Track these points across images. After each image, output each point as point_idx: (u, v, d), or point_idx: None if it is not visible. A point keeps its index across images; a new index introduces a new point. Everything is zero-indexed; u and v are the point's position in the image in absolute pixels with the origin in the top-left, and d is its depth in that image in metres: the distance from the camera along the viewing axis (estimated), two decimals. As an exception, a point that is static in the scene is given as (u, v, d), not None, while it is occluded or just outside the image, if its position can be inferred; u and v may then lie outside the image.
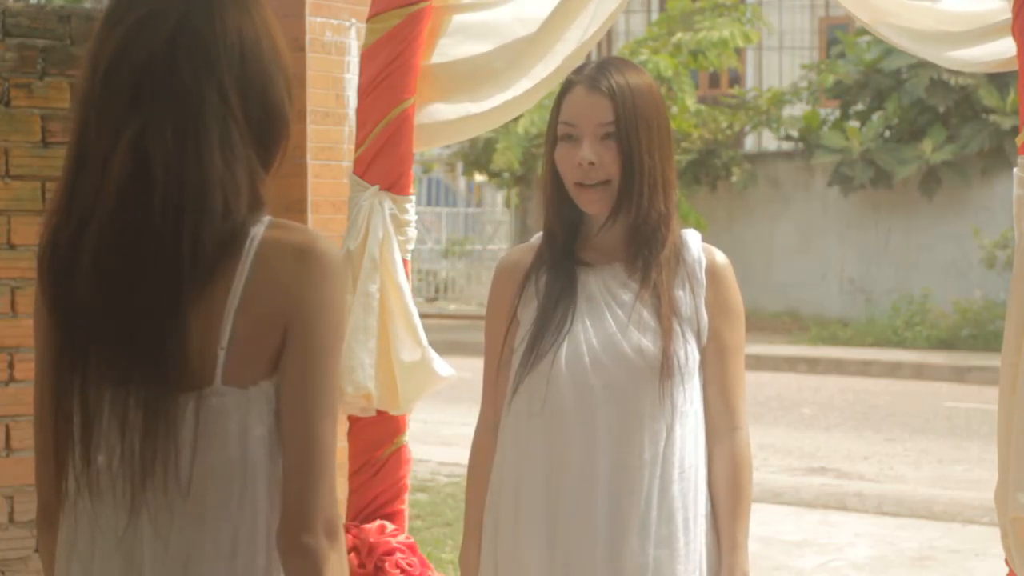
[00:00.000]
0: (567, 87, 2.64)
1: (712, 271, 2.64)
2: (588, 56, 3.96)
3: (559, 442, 2.56)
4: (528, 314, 2.64)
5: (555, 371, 2.56)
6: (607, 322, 2.58)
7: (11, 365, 4.19)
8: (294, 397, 1.74)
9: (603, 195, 2.58)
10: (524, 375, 2.60)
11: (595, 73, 2.61)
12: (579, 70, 2.65)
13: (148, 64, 1.75)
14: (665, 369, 2.53)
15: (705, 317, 2.61)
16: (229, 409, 1.74)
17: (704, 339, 2.61)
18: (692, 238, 2.67)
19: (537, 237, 2.74)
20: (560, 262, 2.65)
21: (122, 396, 1.74)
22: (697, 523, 2.58)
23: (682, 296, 2.60)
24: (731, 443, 2.63)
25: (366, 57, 3.67)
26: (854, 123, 16.63)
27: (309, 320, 1.74)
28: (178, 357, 1.71)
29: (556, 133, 2.63)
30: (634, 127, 2.56)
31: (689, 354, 2.58)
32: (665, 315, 2.55)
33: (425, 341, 3.59)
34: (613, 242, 2.64)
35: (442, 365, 3.61)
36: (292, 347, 1.74)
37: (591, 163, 2.56)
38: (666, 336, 2.54)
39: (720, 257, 2.68)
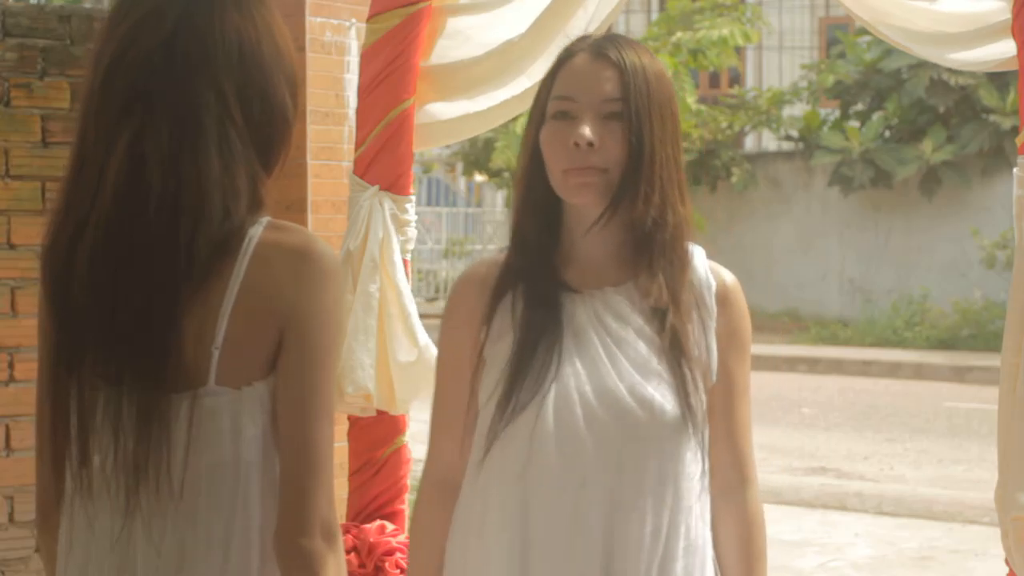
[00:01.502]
0: (565, 57, 2.16)
1: (723, 297, 2.20)
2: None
3: (542, 514, 2.08)
4: (499, 352, 2.13)
5: (540, 427, 2.07)
6: (602, 365, 2.09)
7: (11, 365, 4.19)
8: (290, 399, 1.73)
9: (597, 182, 2.09)
10: (499, 431, 2.09)
11: (602, 42, 2.15)
12: (581, 39, 2.19)
13: (145, 66, 1.75)
14: (679, 427, 2.09)
15: (715, 353, 2.17)
16: (222, 409, 1.73)
17: (712, 378, 2.16)
18: (698, 255, 2.20)
19: (504, 249, 2.22)
20: (538, 283, 2.14)
21: (116, 397, 1.74)
22: None
23: (690, 331, 2.13)
24: (743, 499, 2.20)
25: (366, 57, 3.67)
26: (854, 123, 16.63)
27: (305, 321, 1.74)
28: (172, 357, 1.71)
29: (544, 111, 2.14)
30: (646, 108, 2.10)
31: (700, 404, 2.13)
32: (684, 360, 2.11)
33: (424, 341, 3.59)
34: (602, 254, 2.15)
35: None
36: (288, 349, 1.74)
37: (590, 143, 2.07)
38: (682, 386, 2.10)
39: (730, 278, 2.23)
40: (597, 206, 2.10)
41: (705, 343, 2.15)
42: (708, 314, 2.16)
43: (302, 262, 1.74)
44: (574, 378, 2.09)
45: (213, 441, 1.73)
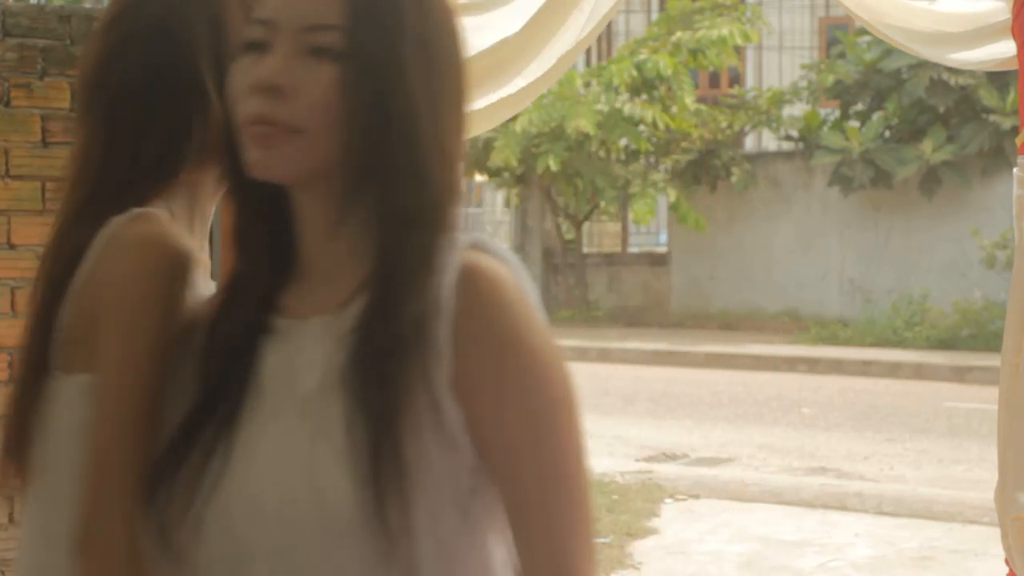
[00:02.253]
0: None
1: (469, 304, 1.34)
2: (587, 52, 3.96)
3: None
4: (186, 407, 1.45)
5: (195, 528, 1.38)
6: (278, 438, 1.36)
7: (11, 365, 4.19)
8: None
9: (289, 149, 1.35)
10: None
11: None
12: None
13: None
14: (364, 532, 1.31)
15: (452, 414, 1.33)
16: None
17: (463, 456, 1.34)
18: (452, 261, 1.38)
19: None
20: (232, 314, 1.44)
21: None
22: None
23: (411, 383, 1.33)
24: None
25: (365, 57, 3.66)
26: (854, 123, 16.64)
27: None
28: None
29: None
30: (390, 43, 1.34)
31: (406, 500, 1.31)
32: (387, 431, 1.31)
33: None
34: (324, 262, 1.42)
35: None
36: None
37: (273, 87, 1.34)
38: (370, 473, 1.30)
39: (492, 275, 1.38)
40: (294, 177, 1.38)
41: (431, 401, 1.32)
42: (433, 353, 1.32)
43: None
44: (244, 460, 1.37)
45: None
